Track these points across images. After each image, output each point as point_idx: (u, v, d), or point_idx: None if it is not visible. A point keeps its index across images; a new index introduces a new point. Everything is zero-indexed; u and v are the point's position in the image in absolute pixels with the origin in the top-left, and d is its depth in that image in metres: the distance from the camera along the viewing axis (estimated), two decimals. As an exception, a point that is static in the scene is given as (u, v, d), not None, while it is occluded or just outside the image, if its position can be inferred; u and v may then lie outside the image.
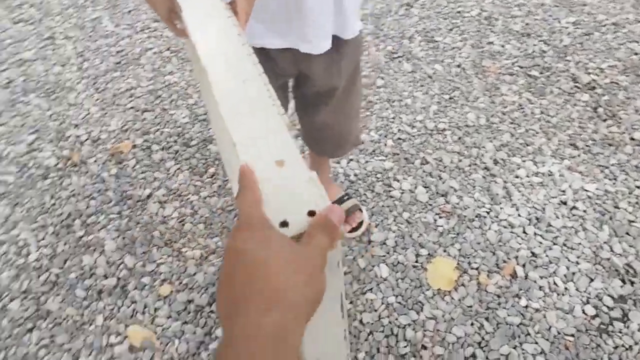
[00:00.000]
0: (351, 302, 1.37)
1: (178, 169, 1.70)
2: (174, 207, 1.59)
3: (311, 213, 0.39)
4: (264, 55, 1.00)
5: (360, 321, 1.33)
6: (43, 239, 1.55)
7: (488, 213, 1.53)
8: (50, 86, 2.02)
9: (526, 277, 1.39)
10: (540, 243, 1.45)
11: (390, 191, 1.60)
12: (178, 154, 1.74)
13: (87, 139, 1.81)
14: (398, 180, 1.62)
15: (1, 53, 2.18)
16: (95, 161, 1.74)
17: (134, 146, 1.77)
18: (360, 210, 1.51)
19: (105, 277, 1.45)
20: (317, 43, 0.97)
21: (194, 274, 1.44)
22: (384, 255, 1.45)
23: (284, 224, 0.38)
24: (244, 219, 0.41)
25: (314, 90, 1.13)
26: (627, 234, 1.46)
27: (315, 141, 1.37)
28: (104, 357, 1.30)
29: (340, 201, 1.51)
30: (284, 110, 0.49)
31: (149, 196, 1.63)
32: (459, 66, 1.97)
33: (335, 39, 1.00)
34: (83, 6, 2.43)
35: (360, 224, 1.49)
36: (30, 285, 1.45)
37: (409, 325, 1.32)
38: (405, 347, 1.28)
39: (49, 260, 1.50)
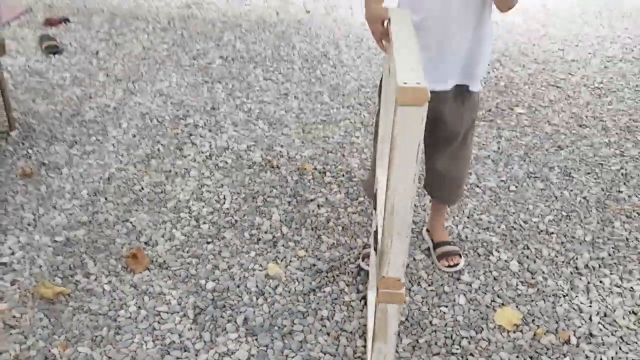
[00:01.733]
0: (428, 309, 1.75)
1: (338, 191, 2.28)
2: (326, 211, 2.16)
3: None
4: None
5: (431, 322, 1.71)
6: (236, 199, 2.21)
7: (564, 296, 1.83)
8: (274, 120, 2.81)
9: (577, 345, 1.65)
10: (601, 330, 1.71)
11: (489, 256, 1.98)
12: (342, 183, 2.33)
13: (286, 155, 2.50)
14: (499, 252, 2.01)
15: (250, 94, 3.08)
16: (286, 169, 2.41)
17: (314, 169, 2.42)
18: (460, 256, 1.92)
19: (265, 232, 2.03)
20: (450, 83, 1.52)
21: (325, 251, 1.95)
22: (466, 292, 1.82)
23: None
24: None
25: (443, 134, 1.66)
26: (684, 352, 1.65)
27: (434, 185, 1.86)
28: (247, 274, 1.84)
29: (446, 244, 1.94)
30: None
31: (312, 200, 2.22)
32: (585, 198, 2.33)
33: (462, 90, 1.54)
34: (277, 82, 3.29)
35: (456, 264, 1.89)
36: (218, 220, 2.08)
37: (466, 338, 1.66)
38: (457, 349, 1.62)
39: (234, 211, 2.14)
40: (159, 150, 2.52)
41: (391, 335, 1.23)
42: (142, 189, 2.24)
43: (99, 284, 1.78)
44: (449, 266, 1.90)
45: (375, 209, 1.44)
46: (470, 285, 1.85)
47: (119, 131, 2.65)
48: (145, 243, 1.96)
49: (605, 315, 1.76)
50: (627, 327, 1.72)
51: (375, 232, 1.29)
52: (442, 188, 1.85)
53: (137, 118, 2.77)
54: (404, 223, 1.07)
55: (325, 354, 1.58)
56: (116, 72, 3.27)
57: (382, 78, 1.71)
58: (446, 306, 1.77)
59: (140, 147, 2.52)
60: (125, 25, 4.02)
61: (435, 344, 1.64)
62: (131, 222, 2.06)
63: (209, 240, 1.99)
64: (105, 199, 2.18)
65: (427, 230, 2.04)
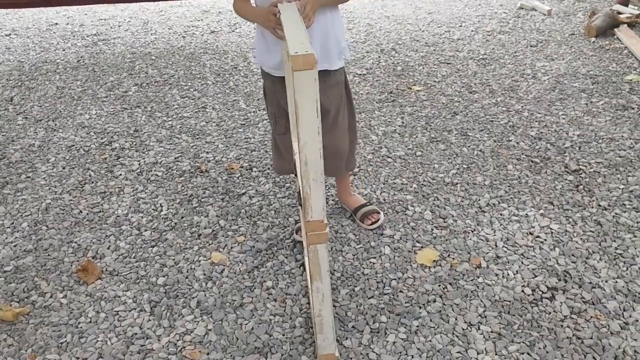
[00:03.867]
0: (359, 263, 1.98)
1: (266, 182, 2.49)
2: (258, 200, 2.36)
3: None
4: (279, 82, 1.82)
5: (363, 273, 1.94)
6: (172, 205, 2.36)
7: (472, 231, 2.11)
8: (196, 132, 2.99)
9: (487, 267, 1.93)
10: (505, 252, 2.00)
11: (405, 211, 2.25)
12: (269, 174, 2.54)
13: (213, 159, 2.69)
14: (413, 206, 2.27)
15: (170, 113, 3.24)
16: (215, 171, 2.59)
17: (241, 167, 2.61)
18: (378, 213, 2.17)
19: (205, 228, 2.21)
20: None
21: (261, 233, 2.15)
22: (389, 243, 2.07)
23: None
24: None
25: None
26: (573, 255, 1.97)
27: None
28: (194, 266, 2.01)
29: (363, 206, 2.19)
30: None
31: (243, 193, 2.42)
32: (481, 150, 2.65)
33: (325, 72, 1.78)
34: (228, 94, 3.49)
35: (377, 221, 2.14)
36: (157, 225, 2.23)
37: (394, 279, 1.90)
38: (388, 290, 1.86)
39: (172, 215, 2.30)
40: (90, 176, 2.63)
41: (324, 273, 1.44)
42: (81, 212, 2.36)
43: (55, 299, 1.90)
44: (372, 223, 2.14)
45: (296, 176, 1.65)
46: (393, 237, 2.10)
47: (47, 166, 2.74)
48: (93, 257, 2.09)
49: (507, 239, 2.06)
50: (526, 245, 2.03)
51: (299, 193, 1.50)
52: (328, 163, 2.08)
53: (63, 151, 2.87)
54: (317, 170, 1.29)
55: (275, 316, 1.78)
56: (34, 113, 3.34)
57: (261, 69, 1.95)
58: (374, 258, 2.01)
59: (72, 176, 2.63)
60: (35, 70, 4.07)
61: (369, 289, 1.87)
62: (76, 242, 2.17)
63: (153, 244, 2.14)
64: (47, 226, 2.28)
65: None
